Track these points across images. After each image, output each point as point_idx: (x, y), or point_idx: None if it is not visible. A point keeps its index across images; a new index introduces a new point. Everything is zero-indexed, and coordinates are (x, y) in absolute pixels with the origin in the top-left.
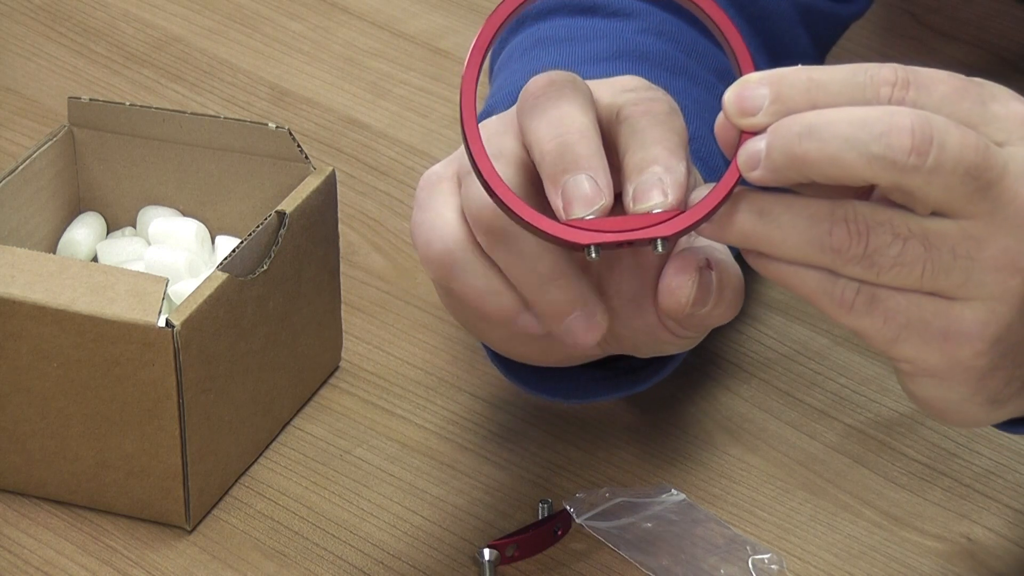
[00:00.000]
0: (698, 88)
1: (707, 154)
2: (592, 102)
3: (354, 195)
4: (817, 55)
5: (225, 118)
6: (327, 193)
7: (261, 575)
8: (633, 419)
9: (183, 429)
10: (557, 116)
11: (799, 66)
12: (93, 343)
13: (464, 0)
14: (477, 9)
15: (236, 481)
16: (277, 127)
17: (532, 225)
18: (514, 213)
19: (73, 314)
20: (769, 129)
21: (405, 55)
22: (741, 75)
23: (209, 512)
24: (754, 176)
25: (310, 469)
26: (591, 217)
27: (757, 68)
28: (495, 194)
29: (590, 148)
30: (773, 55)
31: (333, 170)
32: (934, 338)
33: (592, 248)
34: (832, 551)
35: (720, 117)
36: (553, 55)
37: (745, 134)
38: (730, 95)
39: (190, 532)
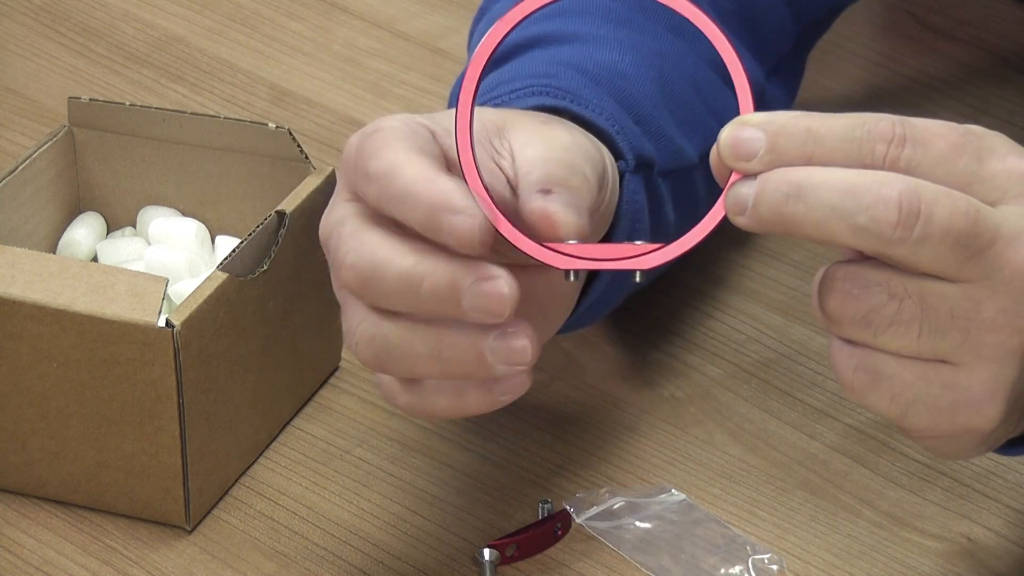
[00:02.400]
0: (643, 36)
1: (634, 92)
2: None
3: None
4: (799, 33)
5: (225, 118)
6: (327, 193)
7: (261, 575)
8: (633, 419)
9: (183, 429)
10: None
11: (798, 113)
12: (93, 343)
13: (464, 0)
14: (477, 10)
15: (236, 481)
16: (277, 127)
17: (513, 244)
18: (498, 231)
19: (73, 314)
20: (759, 179)
21: (405, 55)
22: (739, 112)
23: (209, 512)
24: (739, 222)
25: (310, 469)
26: (573, 243)
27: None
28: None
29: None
30: (750, 29)
31: (333, 170)
32: (943, 411)
33: (571, 272)
34: (832, 551)
35: (714, 148)
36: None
37: (736, 172)
38: (726, 135)
39: (190, 532)
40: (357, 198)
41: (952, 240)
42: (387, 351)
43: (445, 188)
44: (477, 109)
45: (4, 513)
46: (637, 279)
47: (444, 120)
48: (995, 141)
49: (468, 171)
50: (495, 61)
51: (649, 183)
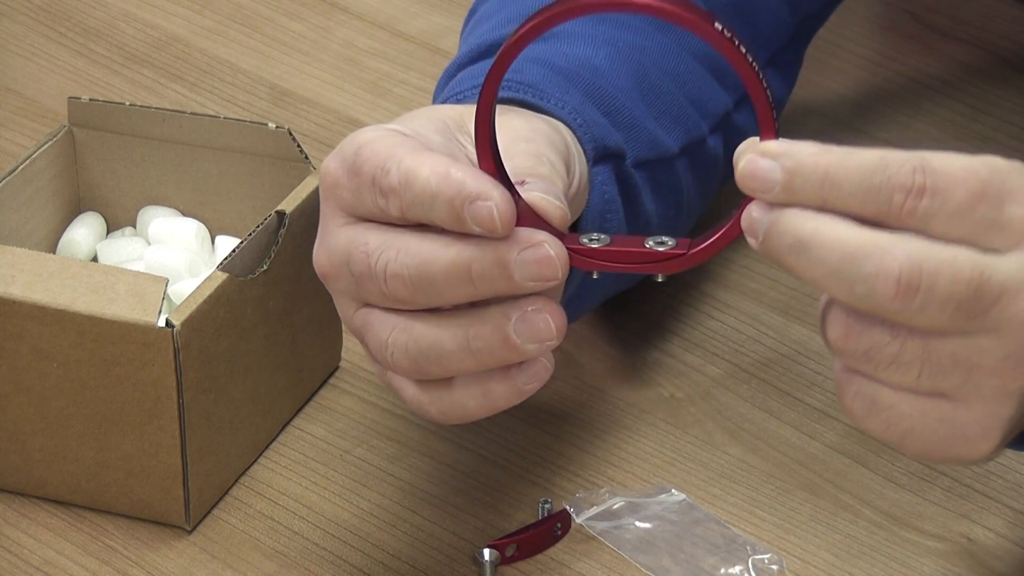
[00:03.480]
0: (623, 31)
1: (605, 85)
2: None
3: None
4: (796, 26)
5: (225, 118)
6: None
7: (261, 575)
8: (633, 419)
9: (183, 429)
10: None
11: (817, 151)
12: (93, 343)
13: (464, 0)
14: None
15: (236, 481)
16: (277, 127)
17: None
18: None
19: (73, 314)
20: (771, 218)
21: (405, 55)
22: (760, 133)
23: (209, 512)
24: (753, 245)
25: (310, 469)
26: (596, 246)
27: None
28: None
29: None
30: (745, 21)
31: None
32: (938, 442)
33: (594, 272)
34: (832, 551)
35: (737, 151)
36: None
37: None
38: (743, 163)
39: (190, 532)
40: (359, 219)
41: (953, 308)
42: (422, 355)
43: (458, 178)
44: (433, 107)
45: (4, 513)
46: (659, 278)
47: (412, 123)
48: (1017, 181)
49: (485, 164)
50: (469, 61)
51: (621, 174)
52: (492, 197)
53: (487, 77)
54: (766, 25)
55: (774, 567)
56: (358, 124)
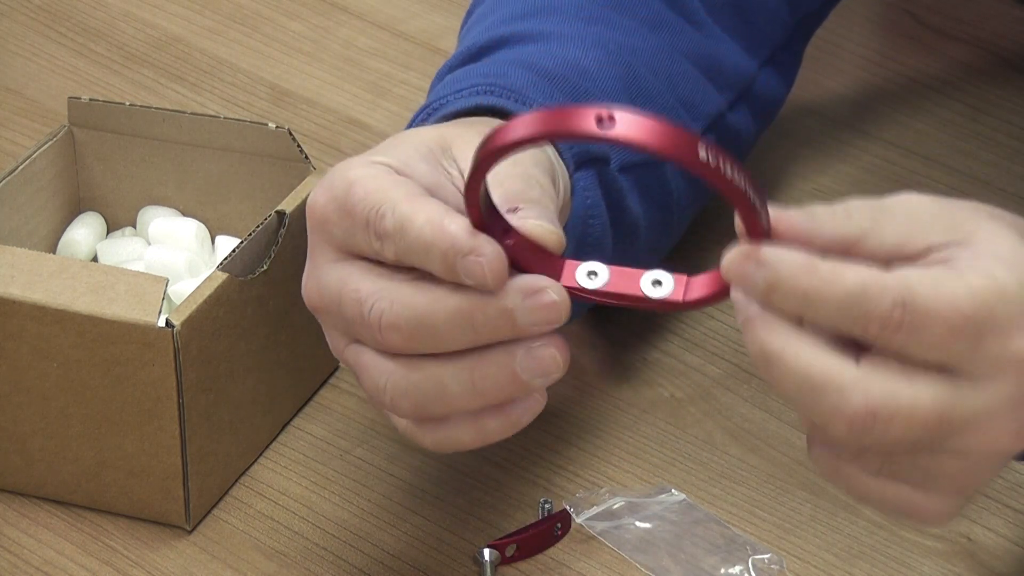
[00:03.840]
0: (613, 32)
1: (591, 88)
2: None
3: None
4: (795, 25)
5: (225, 118)
6: None
7: (261, 575)
8: (633, 419)
9: (183, 429)
10: None
11: (800, 270)
12: (93, 343)
13: (464, 0)
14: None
15: (236, 481)
16: (277, 127)
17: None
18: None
19: (73, 314)
20: (747, 316)
21: (405, 55)
22: (748, 233)
23: (209, 512)
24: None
25: (310, 469)
26: (592, 287)
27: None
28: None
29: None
30: (742, 19)
31: None
32: (897, 514)
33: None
34: (832, 551)
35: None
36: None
37: None
38: (730, 264)
39: (190, 532)
40: (351, 256)
41: (908, 445)
42: (425, 399)
43: (451, 231)
44: (414, 130)
45: (4, 513)
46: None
47: (397, 152)
48: (1005, 313)
49: (474, 218)
50: (461, 63)
51: (604, 178)
52: (484, 254)
53: (469, 177)
54: (765, 23)
55: (774, 567)
56: (358, 124)
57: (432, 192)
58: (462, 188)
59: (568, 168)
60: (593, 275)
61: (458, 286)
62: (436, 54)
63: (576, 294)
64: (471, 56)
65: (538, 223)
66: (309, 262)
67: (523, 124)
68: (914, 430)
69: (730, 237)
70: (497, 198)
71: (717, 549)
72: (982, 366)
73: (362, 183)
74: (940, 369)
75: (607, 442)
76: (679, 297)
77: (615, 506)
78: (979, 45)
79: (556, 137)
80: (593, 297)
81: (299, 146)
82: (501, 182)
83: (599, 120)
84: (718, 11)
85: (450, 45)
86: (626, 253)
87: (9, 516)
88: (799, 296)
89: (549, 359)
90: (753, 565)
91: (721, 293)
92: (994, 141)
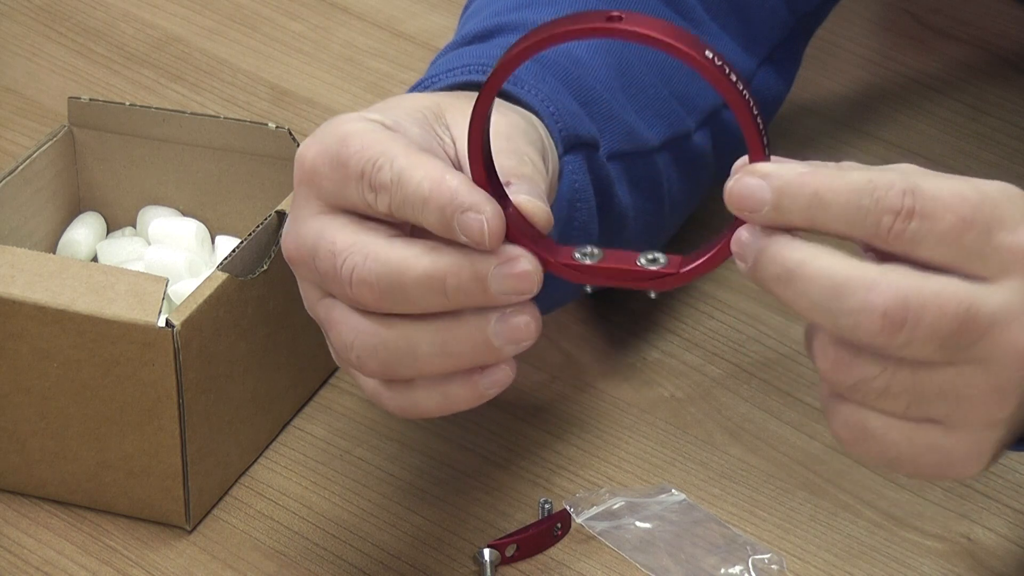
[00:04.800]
0: (639, 5)
1: (584, 75)
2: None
3: None
4: (794, 24)
5: (225, 118)
6: None
7: (261, 575)
8: (633, 419)
9: (183, 429)
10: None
11: (806, 172)
12: (93, 343)
13: (464, 1)
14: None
15: (236, 481)
16: (277, 127)
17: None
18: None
19: (73, 314)
20: (759, 246)
21: (405, 55)
22: (749, 156)
23: (209, 512)
24: (741, 270)
25: (310, 469)
26: (588, 262)
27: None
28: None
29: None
30: (741, 18)
31: None
32: (927, 467)
33: (587, 287)
34: (832, 551)
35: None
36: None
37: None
38: (732, 184)
39: (190, 532)
40: (334, 209)
41: (939, 342)
42: (393, 358)
43: (452, 186)
44: (411, 95)
45: (4, 513)
46: (652, 295)
47: (392, 113)
48: (1008, 210)
49: (477, 177)
50: (454, 47)
51: (593, 164)
52: (484, 211)
53: (481, 92)
54: (763, 22)
55: (774, 567)
56: None
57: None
58: (452, 154)
59: (558, 149)
60: (587, 255)
61: (435, 247)
62: (436, 54)
63: (571, 272)
64: (466, 43)
65: (529, 198)
66: (291, 214)
67: (538, 29)
68: (945, 321)
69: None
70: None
71: (717, 549)
72: (997, 264)
73: (358, 136)
74: (958, 271)
75: (607, 442)
76: (675, 269)
77: (615, 506)
78: (979, 45)
79: (569, 36)
80: (587, 276)
81: (299, 146)
82: (493, 154)
83: (609, 18)
84: (715, 9)
85: None
86: (613, 242)
87: (9, 516)
88: (808, 195)
89: (523, 326)
90: (753, 565)
91: (718, 256)
92: (994, 141)
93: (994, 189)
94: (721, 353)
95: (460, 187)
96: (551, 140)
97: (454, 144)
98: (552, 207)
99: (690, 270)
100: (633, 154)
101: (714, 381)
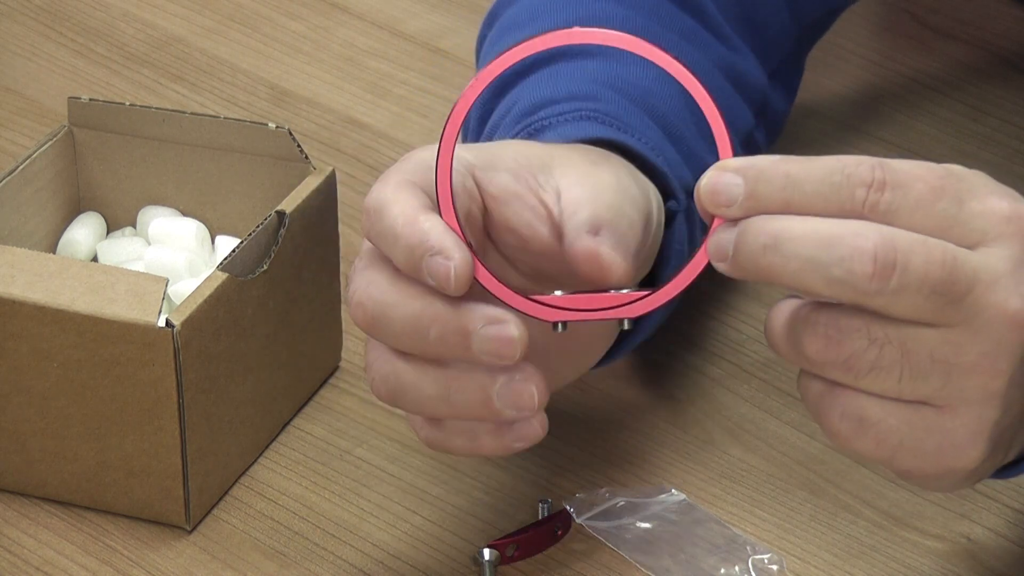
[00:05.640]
0: (661, 45)
1: (666, 111)
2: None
3: (354, 195)
4: (798, 34)
5: (225, 118)
6: (327, 193)
7: (261, 575)
8: (633, 419)
9: (183, 429)
10: None
11: (777, 158)
12: (93, 343)
13: (464, 0)
14: (477, 9)
15: (236, 481)
16: (277, 127)
17: (502, 301)
18: (484, 287)
19: (73, 314)
20: (738, 229)
21: (405, 55)
22: (719, 158)
23: (209, 512)
24: (722, 269)
25: (310, 469)
26: (559, 294)
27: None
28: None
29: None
30: (753, 32)
31: (333, 170)
32: (928, 454)
33: (559, 324)
34: (832, 551)
35: (696, 191)
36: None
37: (718, 218)
38: (706, 181)
39: (190, 532)
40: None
41: (929, 289)
42: (400, 390)
43: (424, 228)
44: (523, 142)
45: (4, 513)
46: (625, 326)
47: (489, 154)
48: (975, 181)
49: (446, 212)
50: (516, 74)
51: (690, 215)
52: (453, 257)
53: (443, 136)
54: (774, 35)
55: (774, 567)
56: (358, 124)
57: (506, 200)
58: (552, 202)
59: (677, 207)
60: (562, 295)
61: (430, 292)
62: (436, 54)
63: (542, 307)
64: (524, 69)
65: (610, 251)
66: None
67: (495, 59)
68: (933, 268)
69: None
70: (584, 217)
71: (717, 549)
72: (975, 231)
73: (400, 162)
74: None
75: (607, 442)
76: (648, 291)
77: (615, 506)
78: (979, 45)
79: (528, 50)
80: (560, 310)
81: (299, 146)
82: (594, 204)
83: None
84: (733, 24)
85: (450, 45)
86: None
87: (9, 516)
88: (782, 179)
89: (527, 394)
90: (753, 565)
91: (691, 270)
92: (994, 141)
93: (958, 167)
94: (721, 353)
95: (432, 229)
96: (660, 204)
97: (558, 197)
98: (660, 269)
99: (664, 289)
100: None
101: (714, 381)
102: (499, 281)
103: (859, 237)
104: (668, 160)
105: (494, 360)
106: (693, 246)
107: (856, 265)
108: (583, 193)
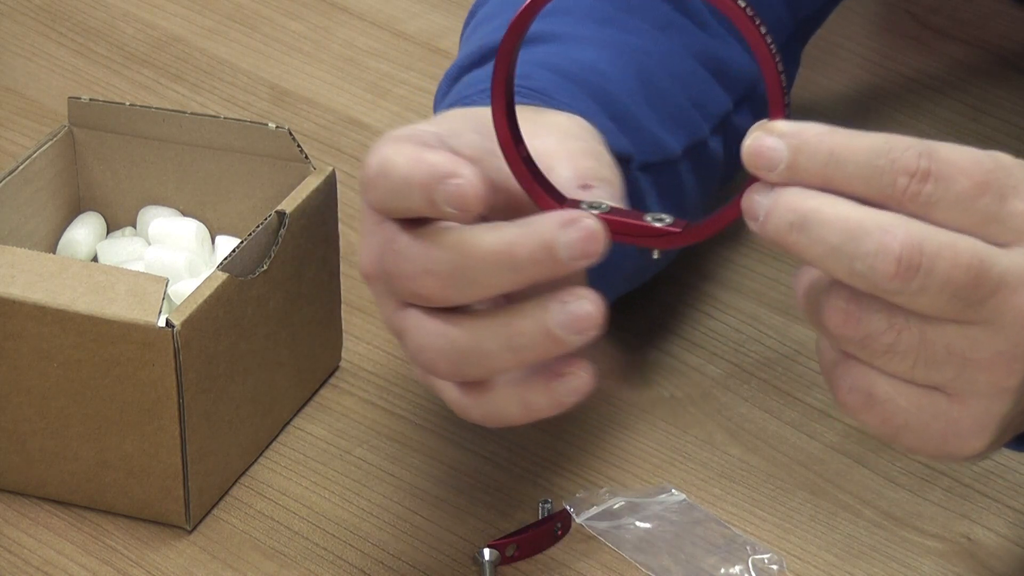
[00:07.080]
0: (626, 34)
1: (615, 89)
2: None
3: (354, 195)
4: (794, 27)
5: (225, 118)
6: (327, 193)
7: (261, 575)
8: (633, 419)
9: (183, 429)
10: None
11: (824, 132)
12: (93, 343)
13: (464, 0)
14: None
15: (236, 481)
16: (277, 127)
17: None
18: (528, 194)
19: (73, 314)
20: (773, 196)
21: (405, 55)
22: (769, 115)
23: (209, 512)
24: (751, 227)
25: (310, 469)
26: (596, 212)
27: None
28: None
29: None
30: None
31: (333, 170)
32: (932, 438)
33: (655, 252)
34: (832, 551)
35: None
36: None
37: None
38: (750, 141)
39: (190, 532)
40: (389, 217)
41: (951, 292)
42: (461, 357)
43: (432, 160)
44: (470, 109)
45: (4, 513)
46: (655, 255)
47: (448, 123)
48: (1022, 176)
49: (508, 153)
50: (472, 64)
51: (627, 178)
52: (463, 175)
53: (494, 72)
54: (769, 27)
55: (774, 567)
56: (358, 124)
57: (477, 160)
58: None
59: None
60: (595, 206)
61: (494, 225)
62: (436, 54)
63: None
64: (483, 56)
65: (611, 205)
66: (360, 231)
67: None
68: (958, 272)
69: (732, 240)
70: (568, 174)
71: (717, 549)
72: (1010, 230)
73: (389, 140)
74: (971, 235)
75: (607, 442)
76: (680, 227)
77: (615, 506)
78: (979, 45)
79: None
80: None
81: (299, 146)
82: (572, 155)
83: None
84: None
85: (450, 45)
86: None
87: (9, 516)
88: (825, 154)
89: (584, 314)
90: (753, 565)
91: (723, 218)
92: (994, 141)
93: (1007, 158)
94: (721, 353)
95: (440, 159)
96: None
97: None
98: None
99: (695, 228)
100: (660, 164)
101: (714, 381)
102: (545, 192)
103: (887, 234)
104: (600, 127)
105: (582, 262)
106: (635, 204)
107: (879, 263)
108: (551, 143)
